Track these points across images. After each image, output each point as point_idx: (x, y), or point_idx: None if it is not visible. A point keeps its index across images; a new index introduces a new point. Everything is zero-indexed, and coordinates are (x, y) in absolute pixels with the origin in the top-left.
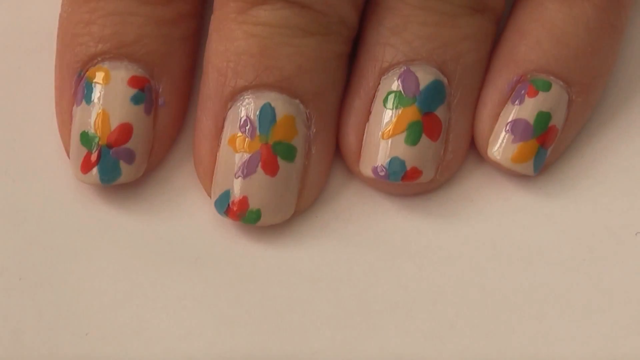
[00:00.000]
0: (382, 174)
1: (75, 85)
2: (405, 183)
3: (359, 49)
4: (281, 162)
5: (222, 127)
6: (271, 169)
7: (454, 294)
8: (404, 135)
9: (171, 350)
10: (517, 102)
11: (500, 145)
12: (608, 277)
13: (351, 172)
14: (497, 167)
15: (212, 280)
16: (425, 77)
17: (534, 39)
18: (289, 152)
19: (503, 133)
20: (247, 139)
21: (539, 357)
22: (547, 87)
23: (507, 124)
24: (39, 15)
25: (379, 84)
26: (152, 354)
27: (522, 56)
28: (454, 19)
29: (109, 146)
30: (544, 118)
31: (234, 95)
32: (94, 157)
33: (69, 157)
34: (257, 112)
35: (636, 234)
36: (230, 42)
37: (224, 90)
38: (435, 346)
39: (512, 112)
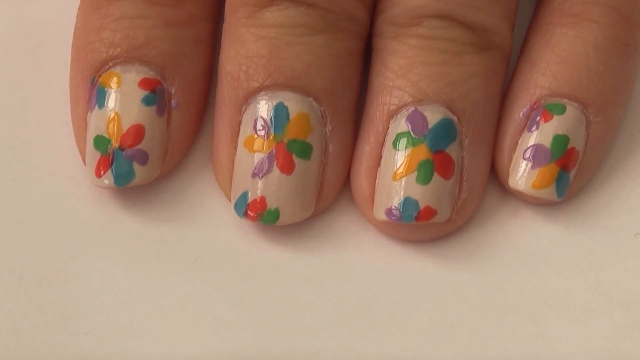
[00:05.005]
0: (395, 215)
1: (89, 92)
2: (421, 224)
3: (366, 96)
4: (297, 160)
5: (239, 130)
6: (287, 167)
7: (454, 294)
8: (415, 174)
9: (171, 350)
10: (533, 128)
11: (520, 173)
12: (608, 279)
13: (366, 219)
14: (520, 197)
15: (212, 280)
16: (433, 116)
17: (543, 65)
18: (304, 150)
19: (522, 161)
20: (262, 140)
21: (539, 358)
22: (562, 110)
23: (525, 151)
24: (39, 15)
25: (388, 127)
26: (152, 354)
27: (533, 83)
28: (459, 57)
29: (122, 148)
30: (561, 141)
31: (248, 98)
32: (107, 160)
33: (85, 165)
34: (271, 112)
35: (635, 235)
36: (240, 46)
37: (237, 94)
38: (435, 346)
39: (529, 139)
